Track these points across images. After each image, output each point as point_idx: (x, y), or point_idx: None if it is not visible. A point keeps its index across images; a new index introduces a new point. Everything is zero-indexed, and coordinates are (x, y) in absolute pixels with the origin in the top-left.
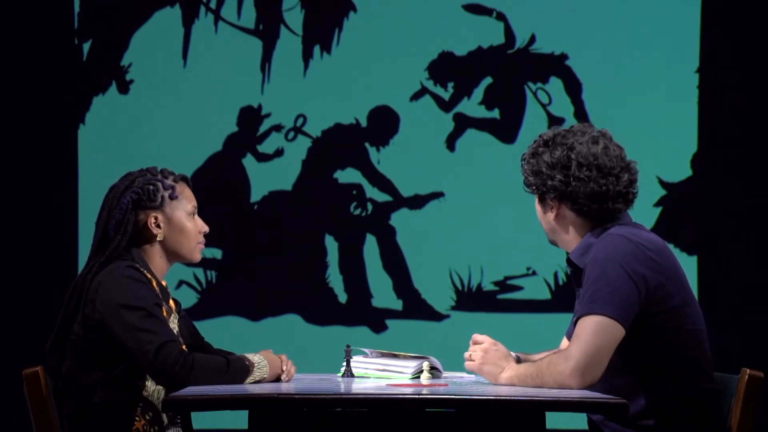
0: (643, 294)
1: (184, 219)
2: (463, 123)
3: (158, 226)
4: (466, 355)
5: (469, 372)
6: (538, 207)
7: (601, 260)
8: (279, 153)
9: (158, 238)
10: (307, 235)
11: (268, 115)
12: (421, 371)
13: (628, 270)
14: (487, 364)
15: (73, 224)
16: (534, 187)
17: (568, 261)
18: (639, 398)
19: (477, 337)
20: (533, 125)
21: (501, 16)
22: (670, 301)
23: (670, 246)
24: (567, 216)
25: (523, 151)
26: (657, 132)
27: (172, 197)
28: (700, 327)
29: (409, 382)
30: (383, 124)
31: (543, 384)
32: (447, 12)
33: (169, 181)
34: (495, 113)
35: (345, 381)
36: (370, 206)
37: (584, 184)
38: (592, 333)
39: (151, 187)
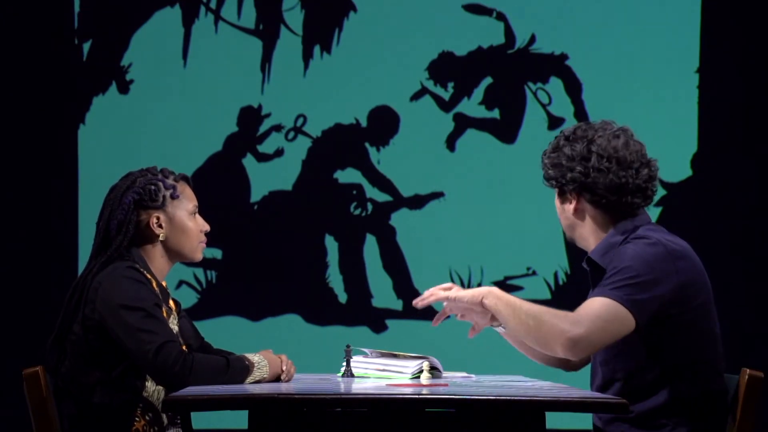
0: (668, 295)
1: (186, 218)
2: (463, 123)
3: (160, 225)
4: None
5: (469, 371)
6: (557, 202)
7: (631, 255)
8: (279, 153)
9: (160, 238)
10: (307, 235)
11: (268, 115)
12: (421, 371)
13: (656, 269)
14: (465, 291)
15: (73, 224)
16: (554, 181)
17: (588, 260)
18: (654, 397)
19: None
20: (533, 125)
21: (501, 16)
22: (695, 300)
23: None
24: (585, 209)
25: (524, 151)
26: (657, 132)
27: (173, 197)
28: (718, 328)
29: (409, 382)
30: (383, 124)
31: (535, 327)
32: (447, 12)
33: (170, 181)
34: (495, 113)
35: (345, 381)
36: (370, 206)
37: (603, 176)
38: (609, 319)
39: (153, 187)
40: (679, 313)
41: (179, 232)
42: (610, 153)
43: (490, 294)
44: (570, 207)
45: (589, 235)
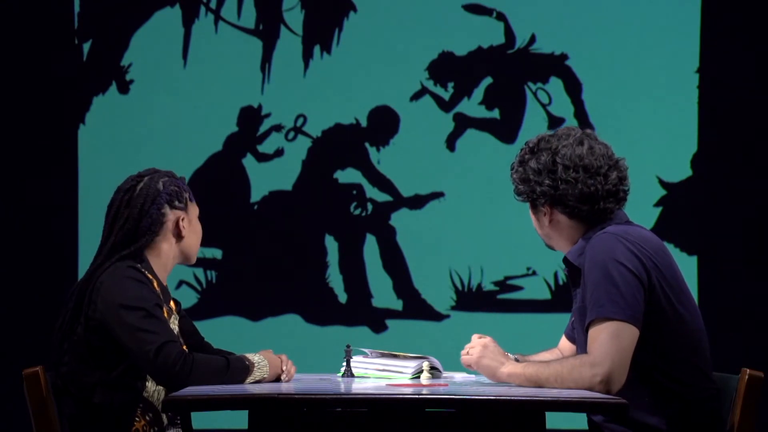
0: (646, 289)
1: (196, 221)
2: (463, 123)
3: (184, 226)
4: (464, 351)
5: (469, 371)
6: (531, 214)
7: (601, 261)
8: (279, 153)
9: (185, 239)
10: (307, 235)
11: (268, 115)
12: (421, 371)
13: (630, 267)
14: (486, 359)
15: (73, 224)
16: (525, 195)
17: (565, 261)
18: (639, 398)
19: (477, 336)
20: (533, 125)
21: (501, 16)
22: (664, 300)
23: (670, 246)
24: (560, 220)
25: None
26: (657, 132)
27: (191, 199)
28: (697, 327)
29: (409, 382)
30: (383, 124)
31: (562, 384)
32: (447, 12)
33: (184, 184)
34: (495, 113)
35: (345, 381)
36: (370, 206)
37: (572, 186)
38: (612, 337)
39: (177, 189)
40: (651, 312)
41: (194, 234)
42: (576, 162)
43: (509, 377)
44: (545, 219)
45: (567, 244)
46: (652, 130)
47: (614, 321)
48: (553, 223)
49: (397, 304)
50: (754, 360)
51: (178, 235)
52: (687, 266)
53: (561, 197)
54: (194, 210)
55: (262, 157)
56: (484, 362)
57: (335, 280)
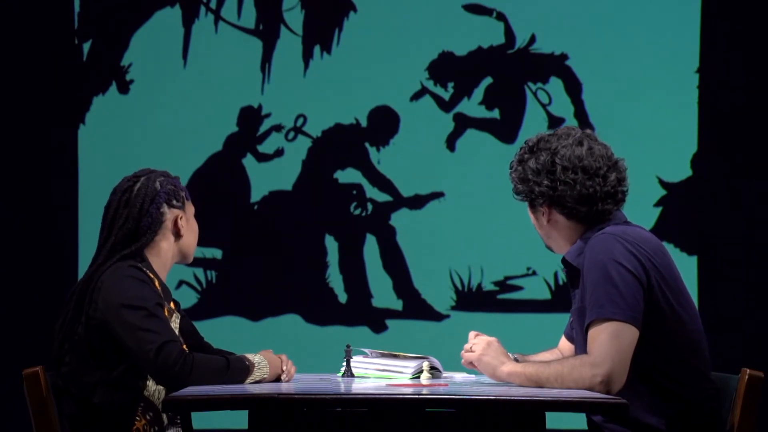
0: (645, 289)
1: (193, 220)
2: (463, 123)
3: (182, 225)
4: (466, 347)
5: (469, 371)
6: (530, 214)
7: (601, 262)
8: (279, 153)
9: (183, 238)
10: (307, 235)
11: (268, 115)
12: (421, 371)
13: (629, 268)
14: (488, 356)
15: (73, 224)
16: (523, 195)
17: (564, 261)
18: (638, 399)
19: (475, 333)
20: (533, 125)
21: (501, 16)
22: (663, 300)
23: (670, 246)
24: (559, 220)
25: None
26: (657, 132)
27: (187, 198)
28: (696, 328)
29: (409, 382)
30: (383, 124)
31: (562, 384)
32: (447, 12)
33: (179, 183)
34: (495, 113)
35: (345, 381)
36: (370, 206)
37: (571, 188)
38: (612, 338)
39: (173, 188)
40: (650, 312)
41: (191, 233)
42: (575, 163)
43: (509, 376)
44: (543, 219)
45: (566, 244)
46: (652, 130)
47: (614, 321)
48: (551, 223)
49: (397, 304)
50: (754, 360)
51: (177, 234)
52: (687, 266)
53: (559, 198)
54: (191, 209)
55: (262, 157)
56: (485, 359)
57: (335, 280)
